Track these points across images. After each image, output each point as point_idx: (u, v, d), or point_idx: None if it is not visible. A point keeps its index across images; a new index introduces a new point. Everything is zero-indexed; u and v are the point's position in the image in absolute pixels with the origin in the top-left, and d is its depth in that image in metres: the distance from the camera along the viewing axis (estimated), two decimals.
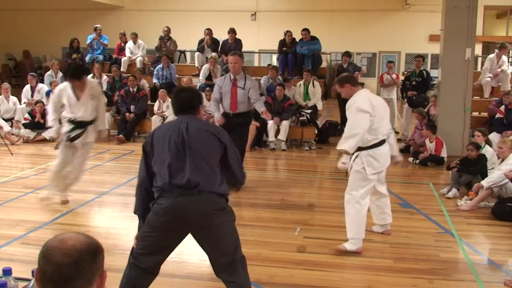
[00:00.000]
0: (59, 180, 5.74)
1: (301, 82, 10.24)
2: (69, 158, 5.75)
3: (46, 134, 9.69)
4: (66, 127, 5.68)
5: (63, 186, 5.79)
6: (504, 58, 10.63)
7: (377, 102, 4.46)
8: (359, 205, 4.41)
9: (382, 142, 4.42)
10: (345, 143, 4.29)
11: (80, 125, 5.68)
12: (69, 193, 5.92)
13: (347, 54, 11.24)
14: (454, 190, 6.36)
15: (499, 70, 10.48)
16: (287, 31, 11.51)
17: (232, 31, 11.53)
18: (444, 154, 8.17)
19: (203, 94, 9.88)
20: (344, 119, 10.83)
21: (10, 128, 9.90)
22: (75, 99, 5.61)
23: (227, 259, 3.06)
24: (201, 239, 3.10)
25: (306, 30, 11.25)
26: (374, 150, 4.37)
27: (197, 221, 2.99)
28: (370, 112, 4.26)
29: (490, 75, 10.56)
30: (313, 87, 10.13)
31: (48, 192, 5.80)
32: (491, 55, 10.86)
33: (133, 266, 3.15)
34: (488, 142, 6.95)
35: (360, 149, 4.35)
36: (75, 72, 5.63)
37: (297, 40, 11.45)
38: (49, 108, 5.95)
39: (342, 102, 11.09)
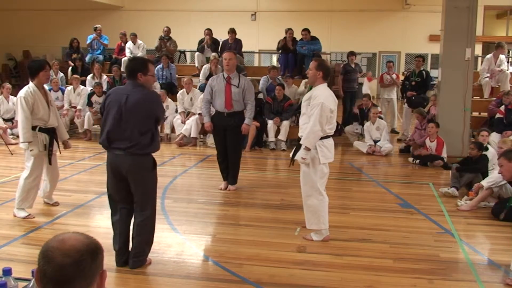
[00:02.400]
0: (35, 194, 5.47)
1: (305, 81, 10.26)
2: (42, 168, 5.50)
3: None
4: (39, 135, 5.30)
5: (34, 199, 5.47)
6: (502, 57, 10.62)
7: (335, 98, 4.78)
8: (321, 196, 4.65)
9: (331, 135, 4.69)
10: (309, 139, 4.48)
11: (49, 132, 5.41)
12: (67, 193, 5.92)
13: (353, 54, 11.24)
14: (452, 189, 6.36)
15: (498, 69, 10.47)
16: (289, 29, 11.47)
17: (232, 31, 11.52)
18: (444, 154, 8.18)
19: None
20: (345, 119, 10.84)
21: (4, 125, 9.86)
22: (46, 104, 5.29)
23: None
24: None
25: (306, 30, 11.25)
26: (327, 141, 4.61)
27: (127, 172, 3.91)
28: (334, 110, 4.59)
29: (488, 75, 10.56)
30: None
31: (23, 209, 5.35)
32: (488, 55, 10.86)
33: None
34: (489, 143, 6.95)
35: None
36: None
37: (297, 40, 11.43)
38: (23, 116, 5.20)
39: (344, 102, 11.15)
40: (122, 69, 12.02)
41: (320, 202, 4.64)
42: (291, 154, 4.80)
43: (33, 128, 5.22)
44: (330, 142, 4.65)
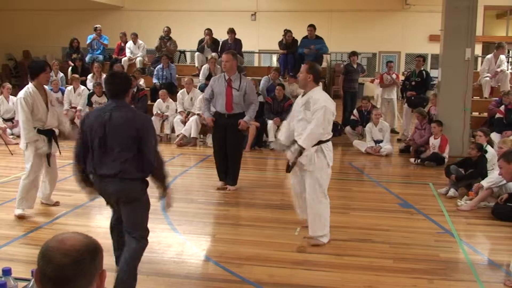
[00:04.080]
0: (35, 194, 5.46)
1: None
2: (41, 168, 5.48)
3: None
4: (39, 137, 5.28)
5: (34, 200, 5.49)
6: (503, 57, 10.62)
7: (332, 100, 4.71)
8: (326, 199, 4.60)
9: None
10: (308, 141, 4.44)
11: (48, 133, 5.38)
12: (67, 193, 5.92)
13: (355, 54, 11.23)
14: (452, 190, 6.36)
15: (498, 70, 10.47)
16: (287, 31, 11.46)
17: (231, 31, 11.52)
18: (446, 153, 8.17)
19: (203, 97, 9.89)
20: (346, 119, 10.83)
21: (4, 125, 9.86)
22: (45, 105, 5.26)
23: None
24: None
25: (311, 26, 11.21)
26: (329, 144, 4.61)
27: (117, 199, 3.56)
28: (334, 113, 4.59)
29: (489, 74, 10.56)
30: None
31: (22, 209, 5.34)
32: (489, 56, 10.86)
33: None
34: (490, 143, 6.94)
35: (317, 143, 4.49)
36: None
37: (298, 40, 11.41)
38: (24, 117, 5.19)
39: (344, 102, 11.15)
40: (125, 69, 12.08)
41: (326, 206, 4.60)
42: (290, 159, 4.59)
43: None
44: (331, 144, 4.65)
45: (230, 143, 6.41)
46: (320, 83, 4.78)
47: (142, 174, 3.50)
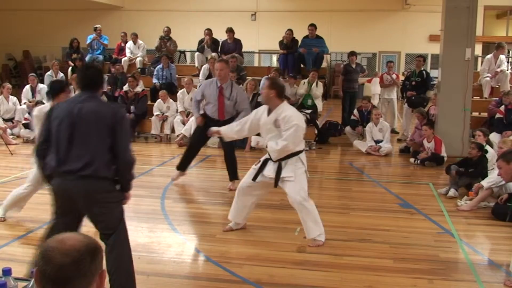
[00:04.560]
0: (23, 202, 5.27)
1: (305, 81, 10.27)
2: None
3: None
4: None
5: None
6: (503, 58, 10.62)
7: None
8: (310, 200, 4.63)
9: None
10: (277, 154, 4.52)
11: None
12: None
13: (354, 54, 11.23)
14: (452, 190, 6.36)
15: (498, 70, 10.47)
16: (288, 30, 11.47)
17: (230, 31, 11.52)
18: (444, 153, 8.18)
19: None
20: (345, 119, 10.83)
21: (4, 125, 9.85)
22: None
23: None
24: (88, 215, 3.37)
25: (312, 25, 11.22)
26: (303, 153, 4.69)
27: (81, 202, 3.20)
28: (304, 129, 4.63)
29: (489, 75, 10.56)
30: (316, 86, 10.18)
31: (4, 213, 5.23)
32: (489, 56, 10.86)
33: None
34: (489, 143, 6.94)
35: (295, 154, 4.55)
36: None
37: (298, 39, 11.41)
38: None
39: (343, 102, 11.15)
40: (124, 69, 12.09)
41: (312, 206, 4.64)
42: (271, 174, 4.61)
43: None
44: (304, 153, 4.74)
45: (224, 143, 6.47)
46: (285, 99, 4.75)
47: (112, 172, 3.22)
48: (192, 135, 6.95)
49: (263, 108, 4.76)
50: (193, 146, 6.80)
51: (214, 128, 5.15)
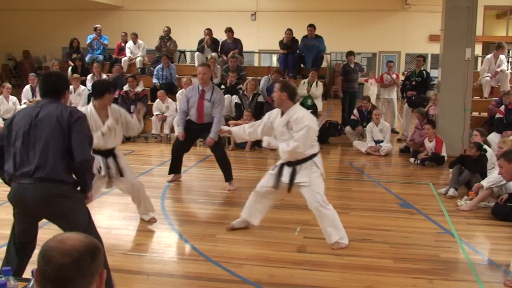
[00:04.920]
0: None
1: (305, 80, 10.27)
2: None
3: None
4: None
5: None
6: (503, 57, 10.62)
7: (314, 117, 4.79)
8: (329, 205, 4.56)
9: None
10: (287, 155, 4.49)
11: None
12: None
13: (352, 54, 11.23)
14: (452, 190, 6.36)
15: (498, 70, 10.48)
16: (287, 29, 11.48)
17: (229, 30, 11.52)
18: (444, 153, 8.18)
19: None
20: (345, 119, 10.83)
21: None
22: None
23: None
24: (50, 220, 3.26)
25: (311, 26, 11.23)
26: (319, 156, 4.63)
27: (39, 208, 3.07)
28: (317, 131, 4.61)
29: (489, 74, 10.56)
30: (316, 86, 10.18)
31: None
32: (489, 56, 10.87)
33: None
34: (486, 143, 6.95)
35: (309, 158, 4.51)
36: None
37: (298, 39, 11.42)
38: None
39: (343, 102, 11.14)
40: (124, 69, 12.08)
41: (331, 210, 4.55)
42: (286, 180, 4.57)
43: None
44: (320, 156, 4.68)
45: (215, 149, 6.57)
46: (297, 101, 4.73)
47: (70, 175, 3.14)
48: (174, 143, 6.99)
49: (276, 111, 4.71)
50: (177, 153, 6.85)
51: (225, 127, 5.10)
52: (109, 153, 4.85)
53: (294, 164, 4.52)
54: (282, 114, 4.59)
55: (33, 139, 3.08)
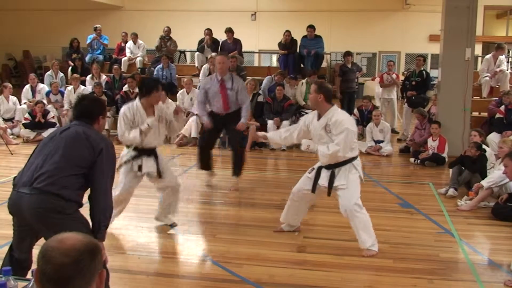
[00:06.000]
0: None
1: (304, 81, 10.25)
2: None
3: (46, 134, 9.74)
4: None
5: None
6: (502, 58, 10.63)
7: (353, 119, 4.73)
8: (363, 209, 4.46)
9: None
10: (326, 159, 4.39)
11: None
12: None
13: (349, 54, 11.23)
14: (451, 189, 6.36)
15: (497, 70, 10.48)
16: (286, 31, 11.49)
17: (229, 31, 11.52)
18: (445, 154, 8.17)
19: None
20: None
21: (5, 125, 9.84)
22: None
23: None
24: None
25: (311, 27, 11.24)
26: (358, 159, 4.55)
27: (32, 220, 2.93)
28: (356, 133, 4.50)
29: (488, 74, 10.56)
30: None
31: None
32: (488, 56, 10.88)
33: None
34: (484, 143, 6.96)
35: (348, 161, 4.43)
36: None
37: (298, 40, 11.42)
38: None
39: (341, 103, 11.13)
40: (122, 69, 12.08)
41: (365, 215, 4.47)
42: (325, 183, 4.47)
43: (127, 146, 4.78)
44: (359, 160, 4.59)
45: (232, 140, 6.54)
46: (334, 103, 4.60)
47: (73, 194, 2.95)
48: (201, 137, 6.85)
49: (312, 114, 4.59)
50: (204, 149, 6.71)
51: (261, 133, 4.95)
52: (150, 152, 4.78)
53: (333, 167, 4.43)
54: (319, 116, 4.47)
55: (47, 150, 2.99)
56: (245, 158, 6.68)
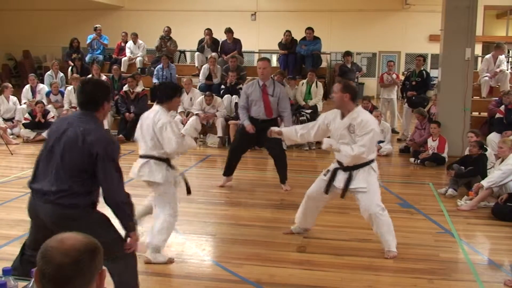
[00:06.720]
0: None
1: (304, 81, 10.25)
2: None
3: (46, 134, 9.76)
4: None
5: None
6: (502, 58, 10.62)
7: None
8: (385, 210, 4.43)
9: None
10: (351, 159, 4.32)
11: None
12: None
13: (349, 54, 11.24)
14: (451, 190, 6.37)
15: (497, 70, 10.48)
16: (286, 31, 11.50)
17: (228, 31, 11.53)
18: (445, 153, 8.18)
19: (202, 98, 9.88)
20: None
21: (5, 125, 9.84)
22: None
23: None
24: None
25: (310, 29, 11.25)
26: (375, 162, 4.51)
27: (50, 225, 2.85)
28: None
29: (488, 74, 10.56)
30: (316, 87, 10.15)
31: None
32: (488, 56, 10.88)
33: None
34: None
35: (367, 163, 4.39)
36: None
37: (298, 40, 11.43)
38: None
39: None
40: (122, 69, 12.07)
41: (388, 216, 4.43)
42: (340, 185, 4.43)
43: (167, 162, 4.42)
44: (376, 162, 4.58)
45: (271, 145, 6.46)
46: (359, 103, 4.53)
47: (85, 198, 2.92)
48: (237, 139, 6.80)
49: (334, 113, 4.49)
50: (236, 151, 6.70)
51: (275, 128, 4.87)
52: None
53: (351, 169, 4.36)
54: (342, 115, 4.39)
55: (54, 157, 2.90)
56: (287, 163, 6.65)
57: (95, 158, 2.86)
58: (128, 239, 3.02)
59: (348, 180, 4.35)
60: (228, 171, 6.71)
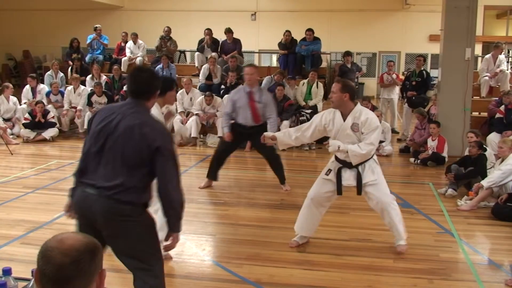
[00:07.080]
0: None
1: (305, 81, 10.25)
2: None
3: (46, 134, 9.76)
4: None
5: None
6: (502, 57, 10.62)
7: None
8: (395, 200, 4.50)
9: None
10: (362, 158, 4.33)
11: None
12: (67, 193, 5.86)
13: (349, 54, 11.24)
14: (451, 190, 6.37)
15: (497, 70, 10.48)
16: (286, 31, 11.50)
17: (228, 31, 11.53)
18: (445, 153, 8.18)
19: (202, 98, 9.89)
20: None
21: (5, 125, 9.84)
22: None
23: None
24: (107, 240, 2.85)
25: (310, 30, 11.25)
26: (375, 156, 4.61)
27: (100, 221, 2.73)
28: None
29: (488, 74, 10.56)
30: (317, 87, 10.15)
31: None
32: (487, 56, 10.88)
33: None
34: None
35: (371, 157, 4.48)
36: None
37: (298, 40, 11.44)
38: None
39: None
40: (122, 69, 12.06)
41: (398, 207, 4.45)
42: (352, 183, 4.40)
43: None
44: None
45: (263, 151, 6.47)
46: (358, 101, 4.52)
47: (141, 195, 2.80)
48: (219, 145, 6.84)
49: (331, 113, 4.42)
50: (220, 156, 6.65)
51: (268, 134, 4.80)
52: None
53: (357, 165, 4.38)
54: (342, 115, 4.35)
55: (107, 151, 2.73)
56: (282, 164, 6.65)
57: (154, 152, 2.71)
58: (170, 239, 2.96)
59: (359, 176, 4.36)
60: (213, 174, 6.64)
